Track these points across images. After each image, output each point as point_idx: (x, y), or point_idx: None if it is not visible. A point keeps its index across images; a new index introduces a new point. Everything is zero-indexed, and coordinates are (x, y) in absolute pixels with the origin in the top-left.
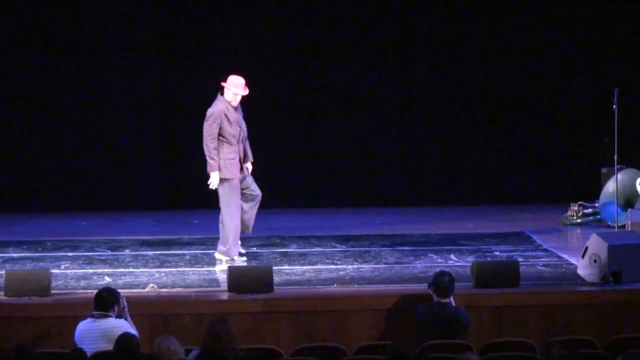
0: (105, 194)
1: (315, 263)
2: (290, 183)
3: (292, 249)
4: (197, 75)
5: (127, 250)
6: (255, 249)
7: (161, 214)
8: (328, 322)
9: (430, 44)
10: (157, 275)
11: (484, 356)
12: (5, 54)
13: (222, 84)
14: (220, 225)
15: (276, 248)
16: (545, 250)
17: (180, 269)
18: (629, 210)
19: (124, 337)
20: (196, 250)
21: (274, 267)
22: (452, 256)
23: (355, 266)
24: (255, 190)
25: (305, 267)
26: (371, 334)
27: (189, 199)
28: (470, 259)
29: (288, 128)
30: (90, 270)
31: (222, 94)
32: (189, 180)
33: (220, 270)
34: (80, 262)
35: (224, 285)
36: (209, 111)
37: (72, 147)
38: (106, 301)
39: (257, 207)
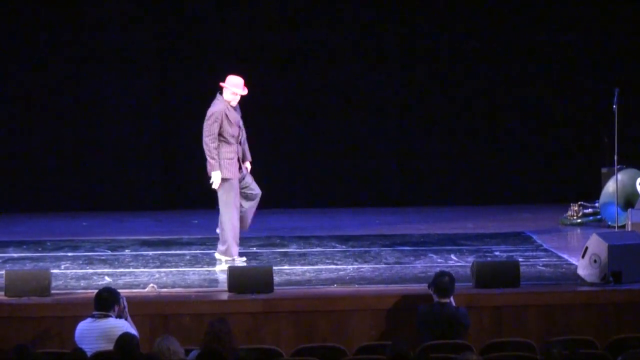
0: (105, 194)
1: (316, 263)
2: (290, 183)
3: (292, 249)
4: (197, 75)
5: (127, 250)
6: (255, 249)
7: (161, 214)
8: (328, 322)
9: (431, 44)
10: (157, 275)
11: (484, 356)
12: (5, 54)
13: (221, 84)
14: (219, 225)
15: (276, 248)
16: (545, 250)
17: (180, 269)
18: (629, 210)
19: (124, 337)
20: (196, 250)
21: (274, 267)
22: (452, 256)
23: (356, 266)
24: (255, 189)
25: (305, 267)
26: (371, 334)
27: (189, 199)
28: (471, 259)
29: (288, 128)
30: (91, 270)
31: (221, 94)
32: (189, 180)
33: (220, 270)
34: (81, 262)
35: (224, 286)
36: (210, 111)
37: (72, 147)
38: (106, 301)
39: (256, 205)
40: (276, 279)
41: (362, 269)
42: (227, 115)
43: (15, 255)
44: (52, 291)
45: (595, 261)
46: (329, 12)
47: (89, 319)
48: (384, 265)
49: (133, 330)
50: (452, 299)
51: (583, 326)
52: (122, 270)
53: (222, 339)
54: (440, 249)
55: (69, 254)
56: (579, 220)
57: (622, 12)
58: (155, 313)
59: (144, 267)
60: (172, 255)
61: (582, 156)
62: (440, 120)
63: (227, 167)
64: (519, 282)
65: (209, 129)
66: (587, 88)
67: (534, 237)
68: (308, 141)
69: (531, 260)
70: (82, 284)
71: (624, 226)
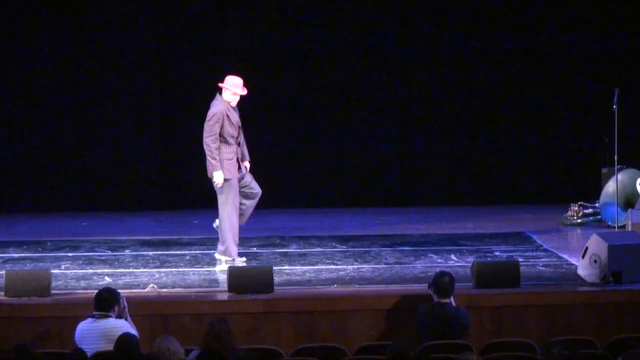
0: (105, 194)
1: (316, 263)
2: (290, 183)
3: (292, 249)
4: (197, 75)
5: (127, 251)
6: (255, 249)
7: (161, 214)
8: (328, 323)
9: (430, 44)
10: (157, 276)
11: (484, 356)
12: (6, 54)
13: (220, 84)
14: (219, 225)
15: (276, 248)
16: (545, 250)
17: (180, 269)
18: (629, 210)
19: (124, 338)
20: (196, 250)
21: (274, 267)
22: (453, 256)
23: (356, 266)
24: (256, 188)
25: (305, 268)
26: (371, 334)
27: (189, 199)
28: (471, 259)
29: (288, 128)
30: (91, 271)
31: (220, 95)
32: (189, 181)
33: (220, 271)
34: (81, 262)
35: (224, 286)
36: (211, 112)
37: (72, 147)
38: (106, 301)
39: (255, 203)
40: (276, 279)
41: (362, 269)
42: (228, 116)
43: (15, 255)
44: (52, 291)
45: (595, 261)
46: (329, 12)
47: (89, 319)
48: (384, 266)
49: (133, 331)
50: (452, 299)
51: (583, 326)
52: (122, 270)
53: (222, 339)
54: (440, 249)
55: (69, 254)
56: (579, 221)
57: (622, 12)
58: (155, 313)
59: (144, 267)
60: (172, 255)
61: (582, 156)
62: (440, 120)
63: (226, 168)
64: (519, 282)
65: (211, 129)
66: (587, 88)
67: (534, 237)
68: (308, 141)
69: (531, 260)
70: (82, 284)
71: (624, 226)
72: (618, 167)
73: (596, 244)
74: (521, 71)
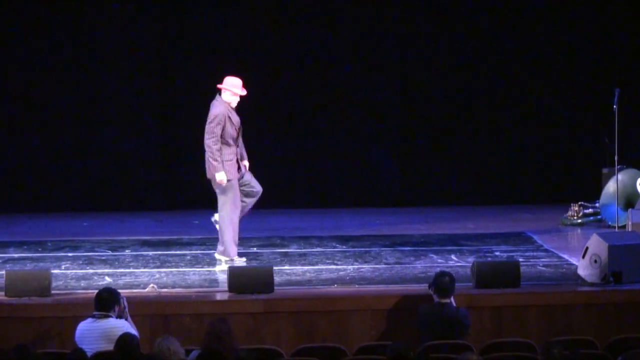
0: (105, 194)
1: (316, 263)
2: (290, 183)
3: (292, 249)
4: (198, 75)
5: (127, 251)
6: (255, 249)
7: (162, 214)
8: (328, 323)
9: (430, 44)
10: (157, 276)
11: (484, 356)
12: (6, 54)
13: (219, 86)
14: (219, 226)
15: (276, 248)
16: (545, 250)
17: (180, 269)
18: (630, 210)
19: (125, 338)
20: (196, 250)
21: (275, 267)
22: (453, 256)
23: (356, 266)
24: (256, 186)
25: (305, 268)
26: (371, 334)
27: (189, 199)
28: (471, 259)
29: (288, 128)
30: (91, 271)
31: (219, 95)
32: (189, 181)
33: (220, 271)
34: (81, 262)
35: (225, 286)
36: (213, 113)
37: (72, 147)
38: (106, 301)
39: (256, 200)
40: (276, 279)
41: (362, 269)
42: (229, 117)
43: (15, 255)
44: (53, 291)
45: (595, 261)
46: (329, 12)
47: (89, 319)
48: (384, 266)
49: (133, 331)
50: (452, 299)
51: (583, 326)
52: (122, 270)
53: (222, 339)
54: (441, 249)
55: (70, 254)
56: (579, 221)
57: (622, 12)
58: (155, 313)
59: (145, 267)
60: (172, 255)
61: (582, 156)
62: (440, 120)
63: (227, 169)
64: (519, 282)
65: (212, 131)
66: (587, 88)
67: (535, 237)
68: (308, 141)
69: (531, 260)
70: (82, 284)
71: (624, 226)
72: (618, 167)
73: (596, 244)
74: (521, 71)
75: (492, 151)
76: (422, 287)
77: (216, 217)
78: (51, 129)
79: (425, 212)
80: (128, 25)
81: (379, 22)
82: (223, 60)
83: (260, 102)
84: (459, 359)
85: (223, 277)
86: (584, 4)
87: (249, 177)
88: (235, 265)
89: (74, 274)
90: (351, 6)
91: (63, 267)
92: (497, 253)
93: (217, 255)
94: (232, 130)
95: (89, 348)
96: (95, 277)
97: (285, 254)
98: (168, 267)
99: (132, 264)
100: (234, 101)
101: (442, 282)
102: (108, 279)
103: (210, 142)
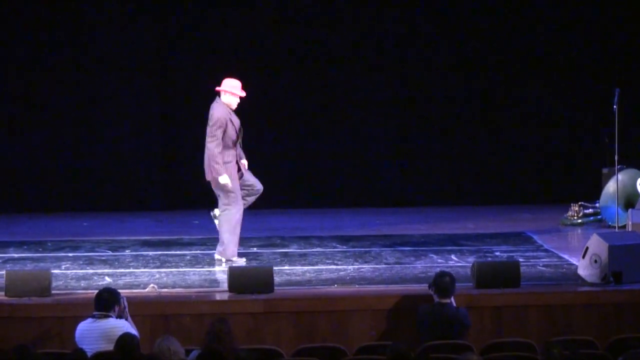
0: (105, 194)
1: (316, 263)
2: (290, 183)
3: (292, 249)
4: (197, 75)
5: (127, 251)
6: (255, 249)
7: (162, 214)
8: (328, 323)
9: (430, 44)
10: (157, 276)
11: (484, 356)
12: (6, 54)
13: (218, 88)
14: (219, 228)
15: (277, 248)
16: (545, 250)
17: (180, 269)
18: (630, 210)
19: (125, 338)
20: (197, 250)
21: (275, 268)
22: (453, 256)
23: (356, 266)
24: (257, 184)
25: (305, 268)
26: (371, 335)
27: (189, 199)
28: (471, 259)
29: (288, 128)
30: (91, 271)
31: (219, 97)
32: (189, 181)
33: (220, 271)
34: (81, 262)
35: (225, 286)
36: (214, 116)
37: (72, 147)
38: (107, 301)
39: (256, 198)
40: (276, 279)
41: (362, 269)
42: (230, 120)
43: (15, 255)
44: (53, 291)
45: (595, 261)
46: (329, 12)
47: (89, 319)
48: (384, 266)
49: (133, 331)
50: (452, 299)
51: (583, 326)
52: (122, 270)
53: (222, 339)
54: (441, 249)
55: (70, 254)
56: (579, 221)
57: (622, 12)
58: (155, 313)
59: (145, 267)
60: (172, 255)
61: (582, 156)
62: (440, 120)
63: (227, 171)
64: (520, 282)
65: (214, 134)
66: (587, 88)
67: (535, 237)
68: (308, 141)
69: (532, 260)
70: (82, 284)
71: (624, 226)
72: (618, 167)
73: (597, 244)
74: (521, 71)
75: (492, 151)
76: (422, 287)
77: (216, 211)
78: (51, 129)
79: (425, 212)
80: (128, 25)
81: (379, 22)
82: (223, 60)
83: (260, 102)
84: (459, 359)
85: (223, 277)
86: (584, 4)
87: (248, 176)
88: (235, 265)
89: (74, 274)
90: (351, 6)
91: (63, 267)
92: (497, 253)
93: (217, 256)
94: (232, 133)
95: (89, 348)
96: (96, 277)
97: (286, 254)
98: (168, 267)
99: (132, 264)
100: (234, 103)
101: (443, 282)
102: (108, 279)
103: (212, 145)
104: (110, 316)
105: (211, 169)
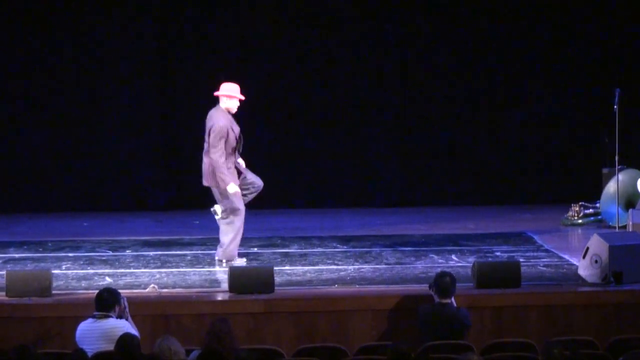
0: (106, 195)
1: (317, 263)
2: (290, 183)
3: (293, 249)
4: (198, 75)
5: (128, 251)
6: (256, 249)
7: (162, 214)
8: (329, 323)
9: (430, 44)
10: (158, 276)
11: (485, 356)
12: (7, 54)
13: (216, 93)
14: (220, 228)
15: (277, 248)
16: (546, 250)
17: (181, 270)
18: (630, 210)
19: (125, 338)
20: (197, 250)
21: (275, 268)
22: (453, 256)
23: (356, 266)
24: (257, 181)
25: (306, 268)
26: (372, 335)
27: (189, 200)
28: (471, 259)
29: (288, 128)
30: (91, 271)
31: (219, 104)
32: (189, 181)
33: (221, 271)
34: (81, 262)
35: (225, 286)
36: (216, 125)
37: (72, 148)
38: (107, 301)
39: (257, 193)
40: (277, 279)
41: (362, 270)
42: (232, 129)
43: (16, 255)
44: (53, 291)
45: (596, 262)
46: (329, 12)
47: (89, 320)
48: (384, 266)
49: (134, 331)
50: (453, 299)
51: (584, 327)
52: (123, 270)
53: (223, 339)
54: (441, 249)
55: (70, 254)
56: (580, 221)
57: (622, 12)
58: (156, 313)
59: (145, 267)
60: (172, 255)
61: (583, 156)
62: (440, 120)
63: (233, 179)
64: (520, 282)
65: (216, 144)
66: (587, 88)
67: (535, 237)
68: (308, 141)
69: (532, 260)
70: (83, 285)
71: (624, 227)
72: (619, 167)
73: (597, 244)
74: (521, 71)
75: (492, 151)
76: (423, 288)
77: (216, 208)
78: (51, 129)
79: (425, 212)
80: (128, 25)
81: (379, 22)
82: (223, 61)
83: (260, 102)
84: (460, 359)
85: (223, 277)
86: (584, 4)
87: (248, 175)
88: (236, 265)
89: (74, 274)
90: (351, 6)
91: (64, 267)
92: (498, 253)
93: (217, 256)
94: (233, 141)
95: (90, 348)
96: (96, 278)
97: (286, 254)
98: (168, 267)
99: (132, 264)
100: (234, 107)
101: (443, 283)
102: (109, 279)
103: (216, 156)
104: (111, 316)
105: (218, 180)
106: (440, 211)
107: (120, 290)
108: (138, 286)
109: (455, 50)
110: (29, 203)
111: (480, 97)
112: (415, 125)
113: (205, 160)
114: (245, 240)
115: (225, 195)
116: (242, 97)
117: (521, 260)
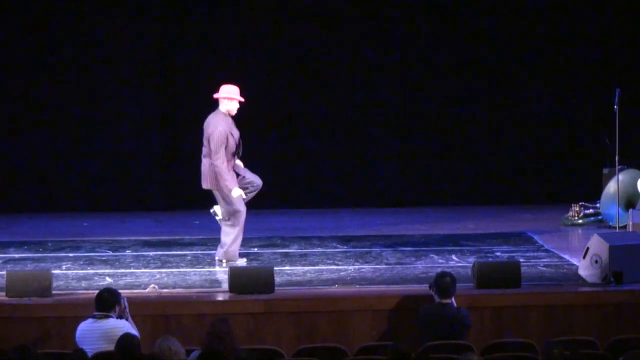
0: (106, 195)
1: (317, 263)
2: (290, 183)
3: (293, 249)
4: (198, 75)
5: (128, 251)
6: (256, 249)
7: (162, 214)
8: (329, 323)
9: (431, 44)
10: (158, 276)
11: (485, 357)
12: (8, 55)
13: (216, 95)
14: (222, 229)
15: (277, 248)
16: (546, 250)
17: (181, 270)
18: (630, 210)
19: (125, 338)
20: (197, 250)
21: (275, 268)
22: (453, 257)
23: (357, 267)
24: (256, 181)
25: (306, 268)
26: (372, 335)
27: (189, 200)
28: (472, 259)
29: (288, 128)
30: (92, 271)
31: (219, 108)
32: (189, 181)
33: (221, 271)
34: (82, 262)
35: (225, 286)
36: (216, 130)
37: (72, 148)
38: (107, 302)
39: (256, 192)
40: (277, 279)
41: (363, 270)
42: (231, 134)
43: (16, 255)
44: (53, 292)
45: (596, 262)
46: (329, 12)
47: (89, 320)
48: (385, 266)
49: (134, 331)
50: (453, 299)
51: (584, 327)
52: (123, 270)
53: (223, 339)
54: (441, 249)
55: (70, 254)
56: (580, 221)
57: (622, 12)
58: (156, 313)
59: (145, 267)
60: (173, 255)
61: (583, 157)
62: (440, 120)
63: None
64: (520, 282)
65: (217, 150)
66: (587, 88)
67: (535, 237)
68: (308, 141)
69: (532, 260)
70: (83, 285)
71: (625, 227)
72: (619, 167)
73: (597, 244)
74: (521, 71)
75: (492, 151)
76: (423, 288)
77: (216, 209)
78: (51, 129)
79: (425, 212)
80: (128, 25)
81: (379, 22)
82: (223, 61)
83: (260, 102)
84: (460, 359)
85: (224, 278)
86: (584, 4)
87: (247, 174)
88: (236, 265)
89: (74, 274)
90: (351, 6)
91: (64, 267)
92: (498, 253)
93: (217, 256)
94: (232, 146)
95: (90, 348)
96: (96, 278)
97: (286, 254)
98: (169, 267)
99: (132, 264)
100: (234, 109)
101: (443, 283)
102: (109, 280)
103: (218, 162)
104: (111, 316)
105: (223, 186)
106: (440, 211)
107: (121, 291)
108: (138, 286)
109: (455, 50)
110: (29, 203)
111: (480, 97)
112: (415, 125)
113: (204, 162)
114: (245, 240)
115: (226, 198)
116: (242, 99)
117: (521, 260)
